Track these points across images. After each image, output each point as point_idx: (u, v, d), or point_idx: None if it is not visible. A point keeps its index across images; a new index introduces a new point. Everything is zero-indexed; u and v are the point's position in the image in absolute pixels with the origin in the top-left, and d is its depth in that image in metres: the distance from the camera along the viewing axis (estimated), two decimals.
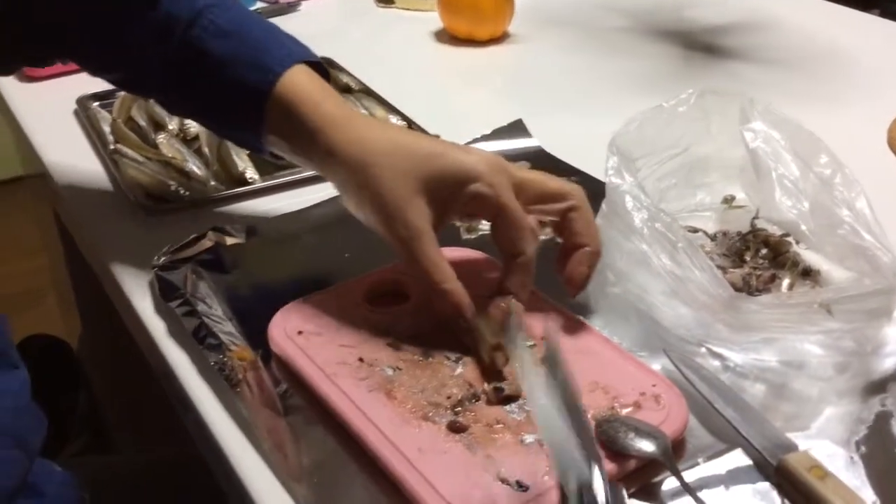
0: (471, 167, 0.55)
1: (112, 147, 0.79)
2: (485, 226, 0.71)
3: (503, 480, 0.46)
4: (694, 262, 0.55)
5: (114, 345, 1.06)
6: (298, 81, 0.58)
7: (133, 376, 1.02)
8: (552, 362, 0.46)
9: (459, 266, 0.63)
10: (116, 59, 0.64)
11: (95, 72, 0.67)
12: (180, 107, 0.66)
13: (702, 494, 0.47)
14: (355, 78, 0.93)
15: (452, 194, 0.55)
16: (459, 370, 0.53)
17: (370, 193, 0.55)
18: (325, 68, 0.63)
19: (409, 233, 0.54)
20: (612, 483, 0.44)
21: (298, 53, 0.60)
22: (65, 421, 1.19)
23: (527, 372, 0.47)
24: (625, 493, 0.45)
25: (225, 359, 0.54)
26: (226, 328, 0.57)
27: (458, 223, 0.70)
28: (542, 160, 0.79)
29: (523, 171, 0.58)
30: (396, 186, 0.54)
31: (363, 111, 0.86)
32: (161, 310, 0.60)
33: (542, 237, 0.62)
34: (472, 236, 0.70)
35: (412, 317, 0.58)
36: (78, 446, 1.23)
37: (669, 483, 0.47)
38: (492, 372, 0.53)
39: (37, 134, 0.84)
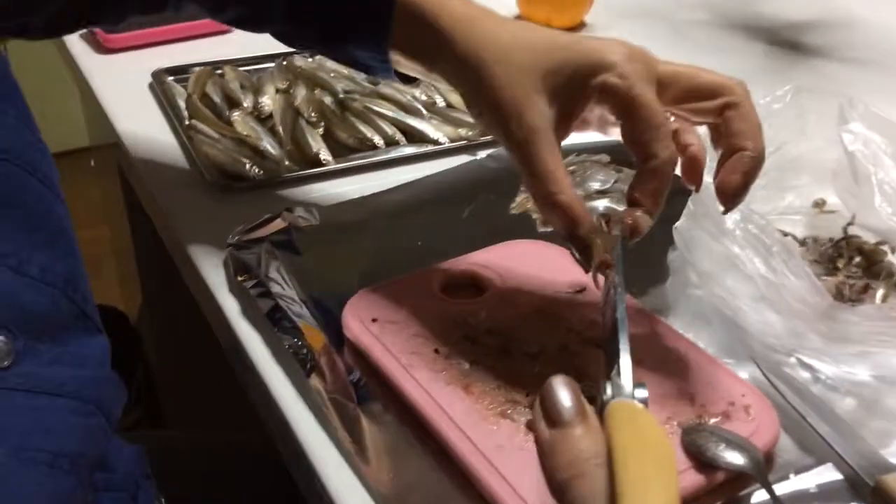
0: (600, 56, 0.49)
1: (187, 123, 0.78)
2: None
3: None
4: (789, 268, 0.52)
5: (174, 320, 1.07)
6: None
7: (191, 354, 1.02)
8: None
9: (537, 258, 0.61)
10: None
11: (213, 12, 0.64)
12: (299, 36, 0.63)
13: None
14: None
15: (578, 88, 0.49)
16: (538, 368, 0.52)
17: (487, 94, 0.50)
18: None
19: (525, 134, 0.48)
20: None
21: None
22: None
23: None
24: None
25: (299, 342, 0.53)
26: (300, 311, 0.56)
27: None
28: (623, 154, 0.77)
29: (671, 64, 0.51)
30: (514, 84, 0.49)
31: (439, 97, 0.85)
32: (235, 289, 0.59)
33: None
34: (549, 229, 0.68)
35: (489, 310, 0.56)
36: (132, 419, 1.25)
37: (758, 496, 0.45)
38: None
39: (112, 105, 0.85)
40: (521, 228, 0.68)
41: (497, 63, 0.50)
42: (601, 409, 0.42)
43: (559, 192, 0.48)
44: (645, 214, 0.48)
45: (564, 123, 0.50)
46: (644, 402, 0.41)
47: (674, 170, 0.48)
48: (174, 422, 1.28)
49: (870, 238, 0.63)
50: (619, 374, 0.43)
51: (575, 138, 0.78)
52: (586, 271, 0.50)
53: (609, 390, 0.42)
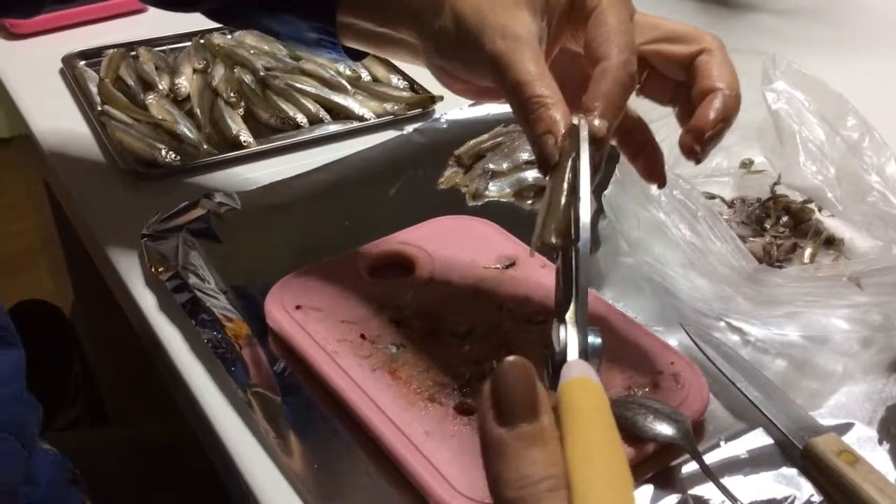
0: None
1: (99, 109, 0.75)
2: (491, 192, 0.68)
3: None
4: (715, 233, 0.52)
5: (106, 313, 1.03)
6: None
7: (125, 347, 0.99)
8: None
9: (465, 234, 0.60)
10: None
11: None
12: (235, 9, 0.57)
13: (725, 478, 0.45)
14: None
15: (557, 3, 0.45)
16: (467, 347, 0.51)
17: (467, 22, 0.45)
18: None
19: (507, 43, 0.43)
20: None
21: None
22: (58, 389, 1.17)
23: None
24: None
25: (219, 335, 0.51)
26: (220, 302, 0.54)
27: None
28: None
29: (647, 14, 0.48)
30: (496, 2, 0.44)
31: (364, 71, 0.82)
32: (151, 282, 0.57)
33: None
34: (478, 203, 0.67)
35: (417, 290, 0.55)
36: (71, 416, 1.21)
37: (689, 467, 0.45)
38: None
39: (21, 94, 0.81)
40: (451, 203, 0.66)
41: None
42: (553, 367, 0.37)
43: (550, 96, 0.42)
44: (601, 119, 0.42)
45: (547, 44, 0.46)
46: (598, 352, 0.37)
47: (631, 79, 0.43)
48: (115, 417, 1.24)
49: (797, 197, 0.63)
50: (574, 313, 0.38)
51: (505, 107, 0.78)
52: (545, 174, 0.43)
53: (561, 335, 0.37)
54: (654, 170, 0.48)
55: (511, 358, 0.32)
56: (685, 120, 0.46)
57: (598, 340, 0.37)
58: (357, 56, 0.56)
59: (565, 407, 0.32)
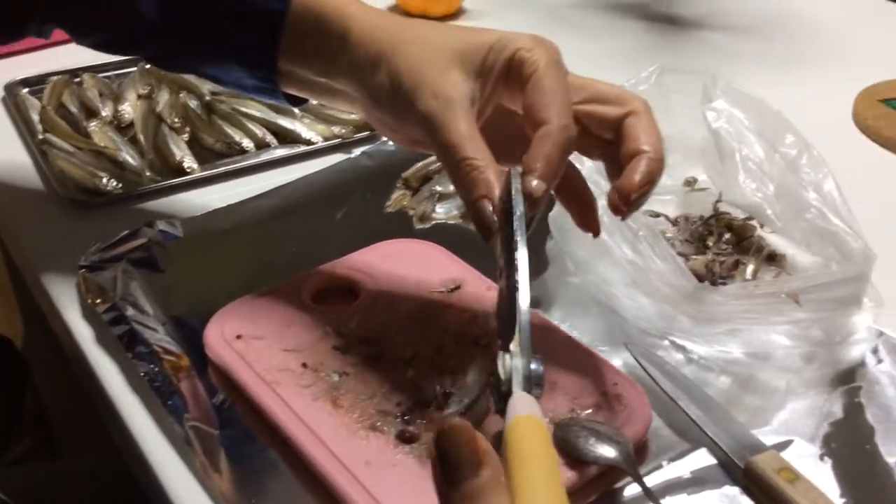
0: (512, 37, 0.47)
1: (41, 136, 0.74)
2: (438, 214, 0.68)
3: None
4: (655, 252, 0.52)
5: (56, 345, 1.02)
6: None
7: (76, 380, 0.97)
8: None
9: (411, 258, 0.60)
10: (101, 14, 0.56)
11: (78, 36, 0.59)
12: (179, 59, 0.58)
13: (667, 500, 0.45)
14: None
15: (491, 62, 0.47)
16: (411, 373, 0.50)
17: (399, 73, 0.47)
18: None
19: (440, 102, 0.45)
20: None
21: None
22: (9, 422, 1.14)
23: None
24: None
25: (156, 368, 0.50)
26: (158, 334, 0.53)
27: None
28: None
29: (575, 75, 0.49)
30: (427, 60, 0.47)
31: None
32: (88, 314, 0.55)
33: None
34: (426, 225, 0.67)
35: (361, 316, 0.54)
36: (23, 449, 1.18)
37: (632, 488, 0.45)
38: None
39: None
40: (398, 226, 0.66)
41: (410, 43, 0.48)
42: (499, 397, 0.38)
43: (481, 159, 0.44)
44: (539, 180, 0.44)
45: (479, 99, 0.47)
46: (540, 381, 0.38)
47: (570, 143, 0.45)
48: (68, 450, 1.22)
49: (739, 214, 0.63)
50: (517, 345, 0.39)
51: None
52: (487, 240, 0.45)
53: (507, 364, 0.39)
54: (587, 217, 0.50)
55: (450, 422, 0.35)
56: (613, 176, 0.48)
57: (541, 369, 0.39)
58: (297, 102, 0.57)
59: (511, 446, 0.34)
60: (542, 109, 0.45)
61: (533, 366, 0.39)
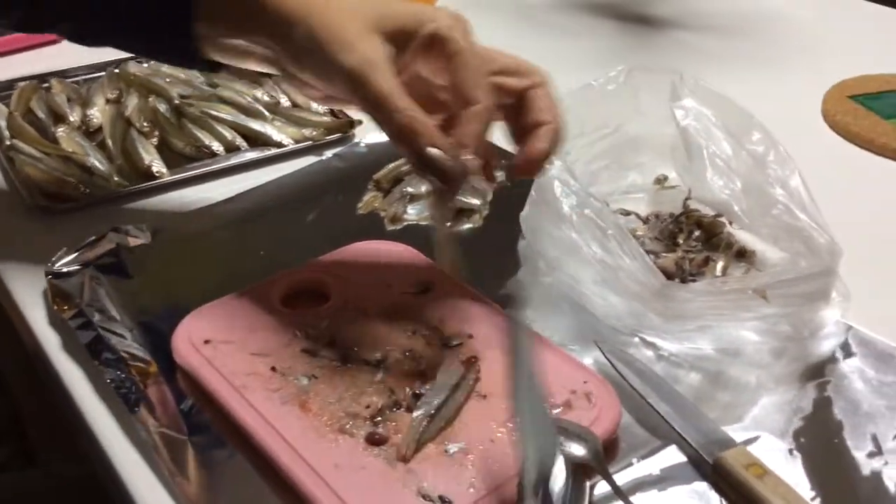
0: (430, 11, 0.50)
1: (7, 143, 0.73)
2: (410, 215, 0.67)
3: (425, 496, 0.42)
4: (624, 250, 0.52)
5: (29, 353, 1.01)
6: None
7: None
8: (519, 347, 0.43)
9: (382, 259, 0.59)
10: None
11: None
12: (98, 32, 0.58)
13: (637, 497, 0.45)
14: None
15: (410, 35, 0.49)
16: (380, 375, 0.50)
17: (317, 34, 0.49)
18: None
19: (361, 61, 0.47)
20: (576, 477, 0.41)
21: None
22: None
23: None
24: (588, 488, 0.42)
25: (123, 375, 0.49)
26: (125, 340, 0.52)
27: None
28: None
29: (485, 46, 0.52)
30: (346, 21, 0.49)
31: (283, 97, 0.81)
32: (55, 321, 0.55)
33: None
34: (397, 226, 0.66)
35: (331, 319, 0.54)
36: (1, 456, 1.17)
37: (602, 487, 0.45)
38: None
39: None
40: (370, 228, 0.66)
41: (330, 7, 0.49)
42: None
43: (407, 108, 0.47)
44: (475, 156, 0.48)
45: (398, 64, 0.49)
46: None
47: (493, 119, 0.50)
48: (45, 457, 1.20)
49: (709, 212, 0.64)
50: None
51: None
52: (447, 188, 0.48)
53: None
54: (529, 156, 0.52)
55: None
56: (518, 139, 0.52)
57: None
58: (215, 67, 0.57)
59: None
60: (470, 89, 0.48)
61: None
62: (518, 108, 0.52)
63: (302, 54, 0.50)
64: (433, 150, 0.47)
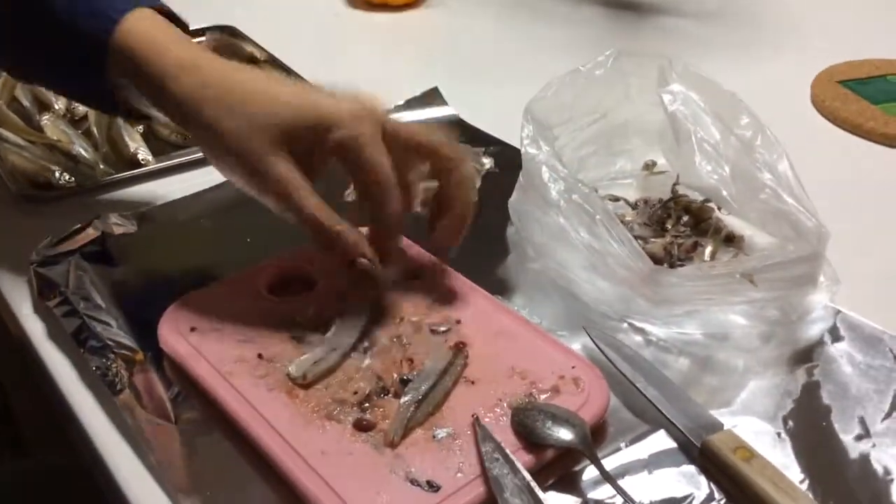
0: (329, 114, 0.50)
1: None
2: None
3: (412, 481, 0.42)
4: (612, 235, 0.52)
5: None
6: (141, 27, 0.53)
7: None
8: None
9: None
10: None
11: None
12: (22, 72, 0.61)
13: (625, 480, 0.45)
14: (261, 47, 0.87)
15: (314, 144, 0.51)
16: (368, 361, 0.50)
17: (229, 150, 0.51)
18: (175, 16, 0.57)
19: (281, 186, 0.50)
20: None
21: None
22: None
23: None
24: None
25: (108, 362, 0.49)
26: (111, 328, 0.52)
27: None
28: (458, 130, 0.75)
29: (399, 123, 0.54)
30: (254, 139, 0.50)
31: None
32: (40, 310, 0.54)
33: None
34: None
35: (318, 306, 0.54)
36: None
37: (591, 472, 0.45)
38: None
39: None
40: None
41: (234, 118, 0.50)
42: None
43: (336, 224, 0.51)
44: (374, 260, 0.52)
45: (310, 174, 0.51)
46: None
47: (401, 221, 0.53)
48: (36, 447, 1.20)
49: (697, 197, 0.64)
50: None
51: (409, 116, 0.77)
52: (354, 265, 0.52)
53: None
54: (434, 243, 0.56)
55: None
56: (431, 215, 0.55)
57: None
58: (139, 117, 0.58)
59: None
60: (377, 203, 0.51)
61: None
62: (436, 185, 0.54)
63: (217, 156, 0.53)
64: (362, 261, 0.51)
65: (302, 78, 0.81)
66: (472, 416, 0.45)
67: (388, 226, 0.52)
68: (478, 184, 0.68)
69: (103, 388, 0.48)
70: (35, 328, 0.53)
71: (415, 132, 0.53)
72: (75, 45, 0.54)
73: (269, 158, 0.50)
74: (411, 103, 0.78)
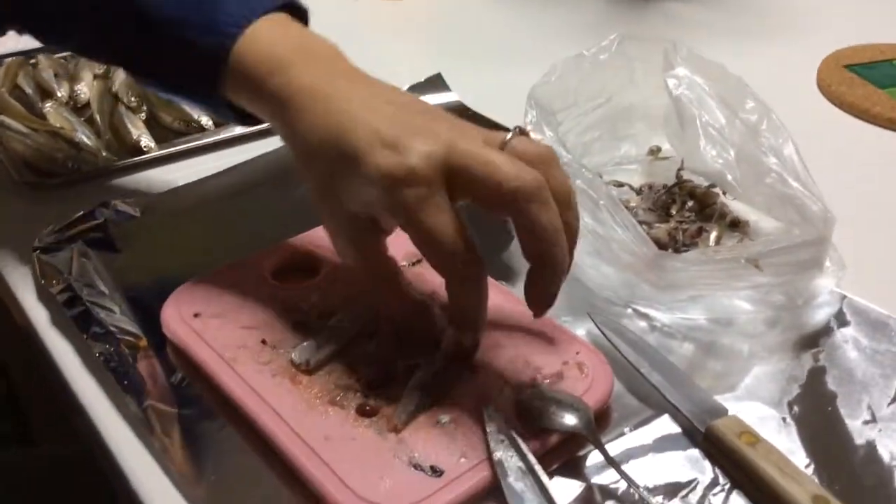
0: (366, 189, 0.44)
1: None
2: None
3: (416, 466, 0.42)
4: (616, 220, 0.52)
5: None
6: (260, 42, 0.49)
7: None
8: None
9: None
10: (67, 27, 0.56)
11: (47, 40, 0.61)
12: (142, 77, 0.58)
13: (629, 465, 0.45)
14: None
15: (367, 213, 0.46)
16: (371, 347, 0.50)
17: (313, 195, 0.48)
18: (301, 9, 0.53)
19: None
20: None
21: (260, 2, 0.50)
22: None
23: None
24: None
25: (112, 349, 0.49)
26: (114, 314, 0.52)
27: None
28: (461, 116, 0.75)
29: (463, 153, 0.43)
30: (320, 188, 0.47)
31: None
32: (43, 296, 0.54)
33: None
34: None
35: (322, 292, 0.53)
36: None
37: (595, 457, 0.45)
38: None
39: None
40: None
41: (309, 162, 0.47)
42: None
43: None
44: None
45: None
46: None
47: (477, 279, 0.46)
48: (43, 435, 1.20)
49: (702, 182, 0.63)
50: None
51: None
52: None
53: None
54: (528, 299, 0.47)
55: None
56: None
57: None
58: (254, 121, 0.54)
59: None
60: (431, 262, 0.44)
61: None
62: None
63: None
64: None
65: None
66: (478, 399, 0.45)
67: (458, 290, 0.45)
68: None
69: (107, 374, 0.48)
70: (39, 315, 0.53)
71: (485, 167, 0.43)
72: (187, 60, 0.50)
73: (330, 212, 0.47)
74: (414, 89, 0.78)
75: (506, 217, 0.44)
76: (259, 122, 0.53)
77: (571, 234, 0.45)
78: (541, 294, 0.45)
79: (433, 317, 0.50)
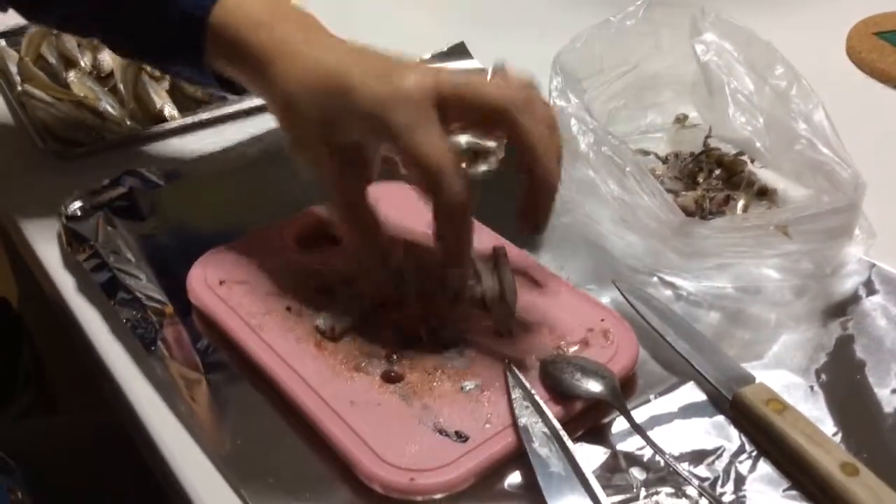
0: (367, 113, 0.45)
1: (20, 88, 0.72)
2: None
3: (441, 431, 0.42)
4: (642, 187, 0.51)
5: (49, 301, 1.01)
6: (239, 4, 0.50)
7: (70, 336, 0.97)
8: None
9: (401, 202, 0.59)
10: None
11: (30, 13, 0.61)
12: (122, 47, 0.59)
13: (654, 432, 0.44)
14: None
15: (364, 144, 0.49)
16: (395, 314, 0.50)
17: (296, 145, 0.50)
18: None
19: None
20: None
21: None
22: (6, 380, 1.14)
23: None
24: None
25: (139, 315, 0.49)
26: (140, 281, 0.52)
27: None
28: None
29: (451, 81, 0.45)
30: (304, 134, 0.48)
31: None
32: (70, 264, 0.55)
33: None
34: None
35: (346, 259, 0.53)
36: (24, 404, 1.19)
37: (620, 424, 0.45)
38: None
39: None
40: (384, 170, 0.65)
41: (297, 106, 0.48)
42: None
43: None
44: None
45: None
46: None
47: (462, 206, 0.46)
48: (66, 404, 1.22)
49: (730, 150, 0.62)
50: None
51: None
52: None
53: None
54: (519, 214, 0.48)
55: None
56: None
57: None
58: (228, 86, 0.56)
59: None
60: (430, 191, 0.45)
61: None
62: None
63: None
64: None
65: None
66: (505, 361, 0.45)
67: (447, 213, 0.45)
68: (505, 140, 0.66)
69: (133, 339, 0.49)
70: (66, 282, 0.54)
71: (473, 94, 0.45)
72: (169, 22, 0.51)
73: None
74: (437, 57, 0.77)
75: (499, 137, 0.48)
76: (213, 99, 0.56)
77: (558, 153, 0.47)
78: (534, 207, 0.47)
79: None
